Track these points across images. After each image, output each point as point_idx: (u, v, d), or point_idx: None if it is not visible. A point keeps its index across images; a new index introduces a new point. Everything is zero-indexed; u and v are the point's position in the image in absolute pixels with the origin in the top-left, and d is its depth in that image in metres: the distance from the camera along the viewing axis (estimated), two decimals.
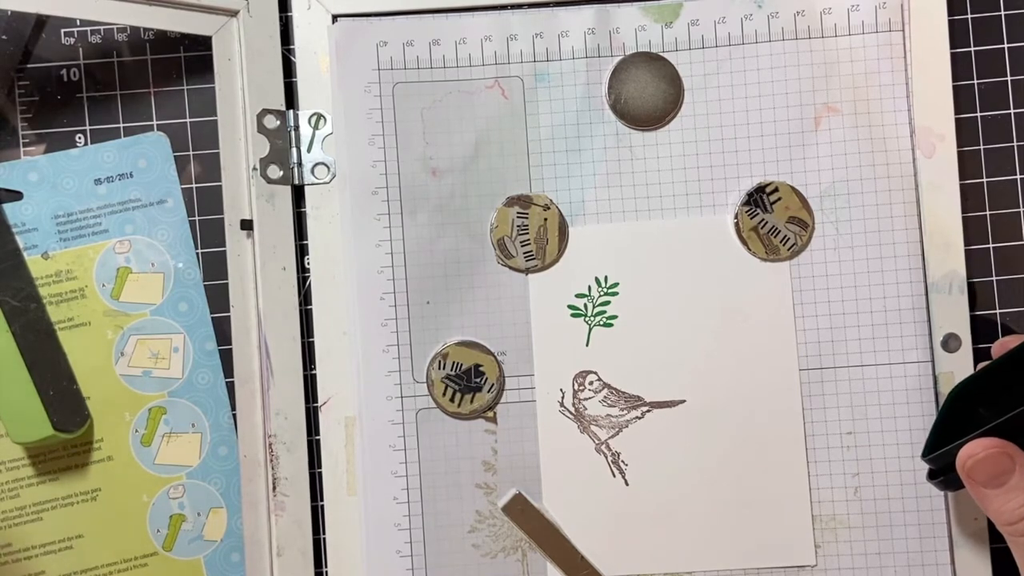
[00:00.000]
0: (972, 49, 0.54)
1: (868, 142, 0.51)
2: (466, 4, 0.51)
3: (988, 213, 0.54)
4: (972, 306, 0.51)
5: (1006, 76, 0.54)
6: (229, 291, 0.51)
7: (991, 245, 0.54)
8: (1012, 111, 0.54)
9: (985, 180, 0.53)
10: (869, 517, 0.50)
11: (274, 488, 0.50)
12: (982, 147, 0.53)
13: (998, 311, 0.54)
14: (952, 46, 0.52)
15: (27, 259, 0.52)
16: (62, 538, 0.51)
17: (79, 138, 0.53)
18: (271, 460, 0.50)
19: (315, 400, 0.51)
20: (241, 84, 0.51)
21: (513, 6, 0.52)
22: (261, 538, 0.50)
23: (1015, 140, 0.54)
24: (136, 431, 0.52)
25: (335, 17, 0.51)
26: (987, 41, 0.54)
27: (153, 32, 0.53)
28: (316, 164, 0.52)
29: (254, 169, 0.51)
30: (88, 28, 0.53)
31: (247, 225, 0.51)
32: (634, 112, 0.51)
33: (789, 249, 0.51)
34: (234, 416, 0.52)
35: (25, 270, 0.51)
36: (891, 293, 0.51)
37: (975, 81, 0.54)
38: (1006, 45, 0.54)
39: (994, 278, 0.54)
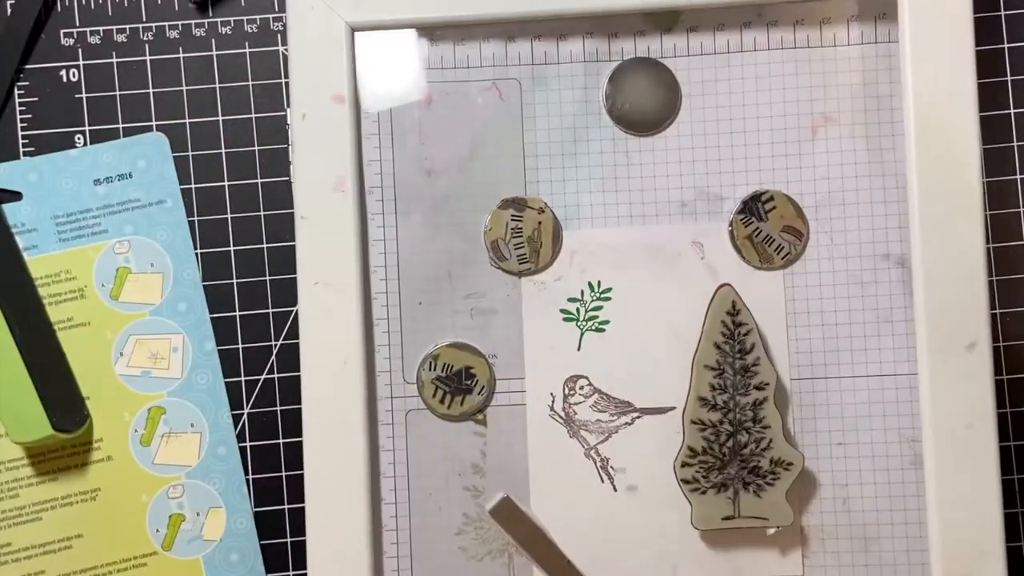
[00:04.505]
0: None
1: (864, 152, 0.50)
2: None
3: (988, 213, 0.53)
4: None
5: (1006, 76, 0.53)
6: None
7: (991, 245, 0.53)
8: (1012, 111, 0.53)
9: (985, 180, 0.53)
10: (857, 529, 0.50)
11: None
12: (982, 147, 0.53)
13: (998, 311, 0.53)
14: None
15: (27, 259, 0.53)
16: (62, 538, 0.52)
17: (78, 138, 0.53)
18: None
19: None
20: None
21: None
22: None
23: (1015, 140, 0.53)
24: (135, 431, 0.53)
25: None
26: (987, 41, 0.53)
27: (153, 32, 0.53)
28: None
29: None
30: (88, 28, 0.53)
31: None
32: (631, 117, 0.51)
33: (783, 258, 0.51)
34: (233, 416, 0.53)
35: (25, 270, 0.52)
36: (884, 304, 0.50)
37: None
38: (1006, 45, 0.53)
39: (994, 278, 0.53)
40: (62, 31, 0.53)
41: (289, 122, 0.53)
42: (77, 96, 0.53)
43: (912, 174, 0.49)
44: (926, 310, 0.49)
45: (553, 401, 0.51)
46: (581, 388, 0.51)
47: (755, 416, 0.50)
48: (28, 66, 0.53)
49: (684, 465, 0.50)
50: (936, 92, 0.49)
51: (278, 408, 0.53)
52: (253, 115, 0.54)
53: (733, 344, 0.50)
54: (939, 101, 0.49)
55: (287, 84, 0.53)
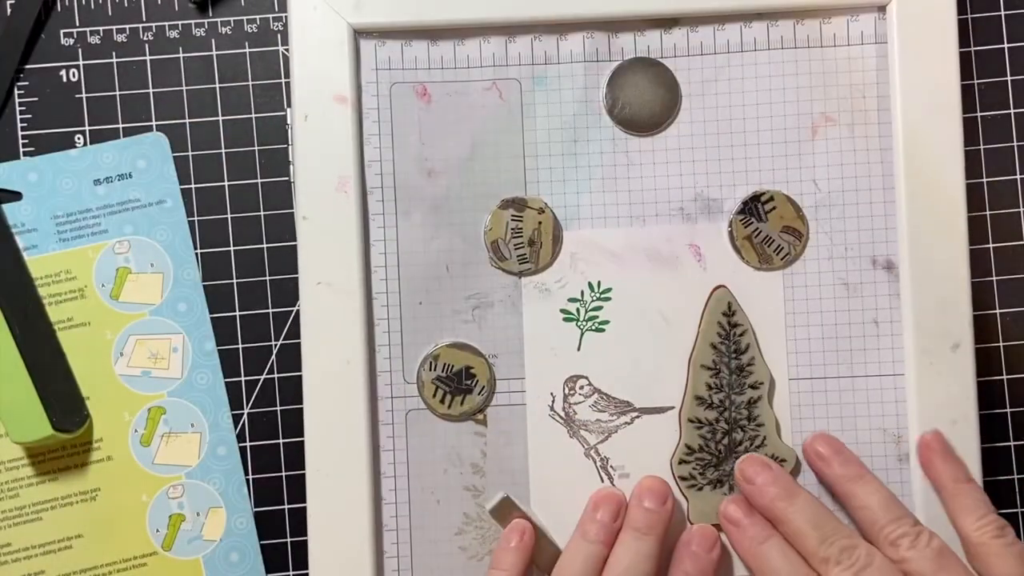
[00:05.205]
0: (972, 49, 0.53)
1: (864, 152, 0.50)
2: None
3: (988, 213, 0.53)
4: (972, 306, 0.51)
5: (1006, 76, 0.53)
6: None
7: (991, 245, 0.54)
8: (1012, 111, 0.54)
9: (985, 180, 0.54)
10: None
11: None
12: (982, 147, 0.53)
13: (998, 311, 0.54)
14: None
15: (27, 259, 0.53)
16: (62, 538, 0.52)
17: (78, 138, 0.53)
18: None
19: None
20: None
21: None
22: None
23: (1015, 140, 0.54)
24: (135, 431, 0.53)
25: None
26: (987, 41, 0.53)
27: (153, 32, 0.53)
28: None
29: None
30: (87, 28, 0.53)
31: None
32: (631, 117, 0.51)
33: (783, 259, 0.51)
34: (233, 416, 0.53)
35: (25, 270, 0.52)
36: (883, 305, 0.51)
37: (975, 81, 0.53)
38: (1006, 45, 0.53)
39: (994, 278, 0.54)
40: (62, 31, 0.53)
41: (289, 122, 0.53)
42: (77, 96, 0.53)
43: (899, 180, 0.50)
44: (913, 312, 0.50)
45: (553, 401, 0.51)
46: (581, 388, 0.51)
47: (750, 414, 0.50)
48: (28, 66, 0.53)
49: (681, 462, 0.50)
50: (921, 99, 0.49)
51: (278, 408, 0.53)
52: (253, 115, 0.54)
53: (729, 344, 0.50)
54: (924, 109, 0.49)
55: (287, 84, 0.53)
